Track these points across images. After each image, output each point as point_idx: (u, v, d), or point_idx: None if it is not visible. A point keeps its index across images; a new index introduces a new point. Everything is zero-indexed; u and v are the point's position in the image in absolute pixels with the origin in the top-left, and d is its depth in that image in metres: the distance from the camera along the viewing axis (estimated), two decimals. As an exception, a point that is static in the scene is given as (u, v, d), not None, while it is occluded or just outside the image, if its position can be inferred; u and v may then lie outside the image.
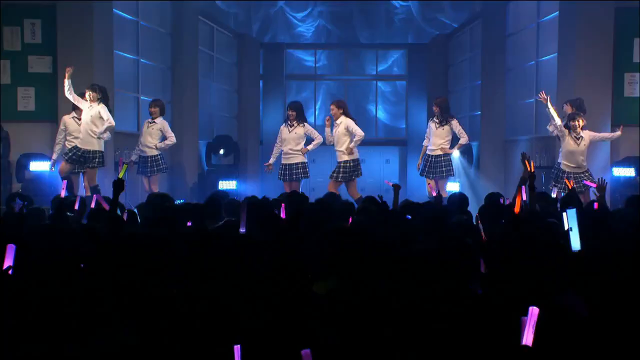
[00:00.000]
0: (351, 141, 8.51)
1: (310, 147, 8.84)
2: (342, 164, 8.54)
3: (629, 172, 8.56)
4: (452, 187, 9.98)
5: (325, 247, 3.22)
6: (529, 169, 4.74)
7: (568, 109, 8.57)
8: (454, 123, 8.91)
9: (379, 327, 2.50)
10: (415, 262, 2.94)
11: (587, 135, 7.87)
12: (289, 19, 13.57)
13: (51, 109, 8.82)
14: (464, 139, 8.97)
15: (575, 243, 2.44)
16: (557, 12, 9.61)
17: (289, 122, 8.84)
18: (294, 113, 8.80)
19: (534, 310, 2.16)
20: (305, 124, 8.86)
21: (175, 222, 4.35)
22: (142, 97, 10.50)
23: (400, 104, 14.61)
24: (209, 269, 3.05)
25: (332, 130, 8.74)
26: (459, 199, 5.77)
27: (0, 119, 8.59)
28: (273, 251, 3.28)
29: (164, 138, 8.91)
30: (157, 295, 2.72)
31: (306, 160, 8.84)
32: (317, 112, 14.87)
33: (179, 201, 7.54)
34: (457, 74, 13.83)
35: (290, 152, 8.77)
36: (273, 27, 13.62)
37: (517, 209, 4.16)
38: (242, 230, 4.47)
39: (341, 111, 8.64)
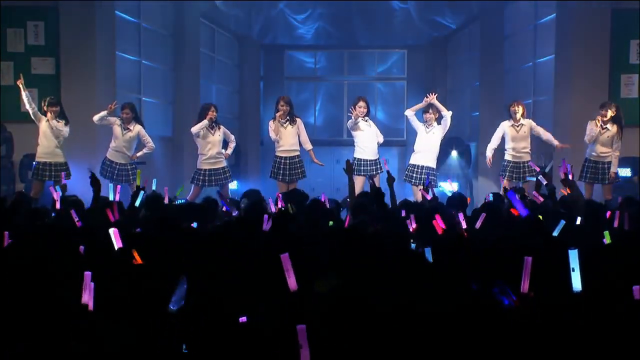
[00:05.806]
0: None
1: (229, 151, 8.51)
2: None
3: (625, 172, 8.64)
4: (451, 187, 10.04)
5: (325, 246, 3.28)
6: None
7: (431, 116, 8.42)
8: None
9: (381, 326, 2.48)
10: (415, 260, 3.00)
11: (527, 123, 8.28)
12: (289, 20, 13.60)
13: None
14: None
15: (577, 284, 2.49)
16: (554, 14, 9.68)
17: (213, 125, 8.30)
18: (214, 115, 8.27)
19: (528, 260, 2.42)
20: (221, 126, 8.45)
21: (174, 222, 4.41)
22: (144, 99, 10.59)
23: (400, 105, 14.68)
24: (208, 268, 3.07)
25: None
26: (459, 199, 5.87)
27: (3, 119, 8.72)
28: (271, 248, 3.31)
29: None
30: (155, 294, 2.71)
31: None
32: (316, 114, 14.96)
33: (179, 201, 7.62)
34: (456, 75, 13.91)
35: (218, 156, 8.37)
36: (273, 28, 13.66)
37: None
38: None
39: None
